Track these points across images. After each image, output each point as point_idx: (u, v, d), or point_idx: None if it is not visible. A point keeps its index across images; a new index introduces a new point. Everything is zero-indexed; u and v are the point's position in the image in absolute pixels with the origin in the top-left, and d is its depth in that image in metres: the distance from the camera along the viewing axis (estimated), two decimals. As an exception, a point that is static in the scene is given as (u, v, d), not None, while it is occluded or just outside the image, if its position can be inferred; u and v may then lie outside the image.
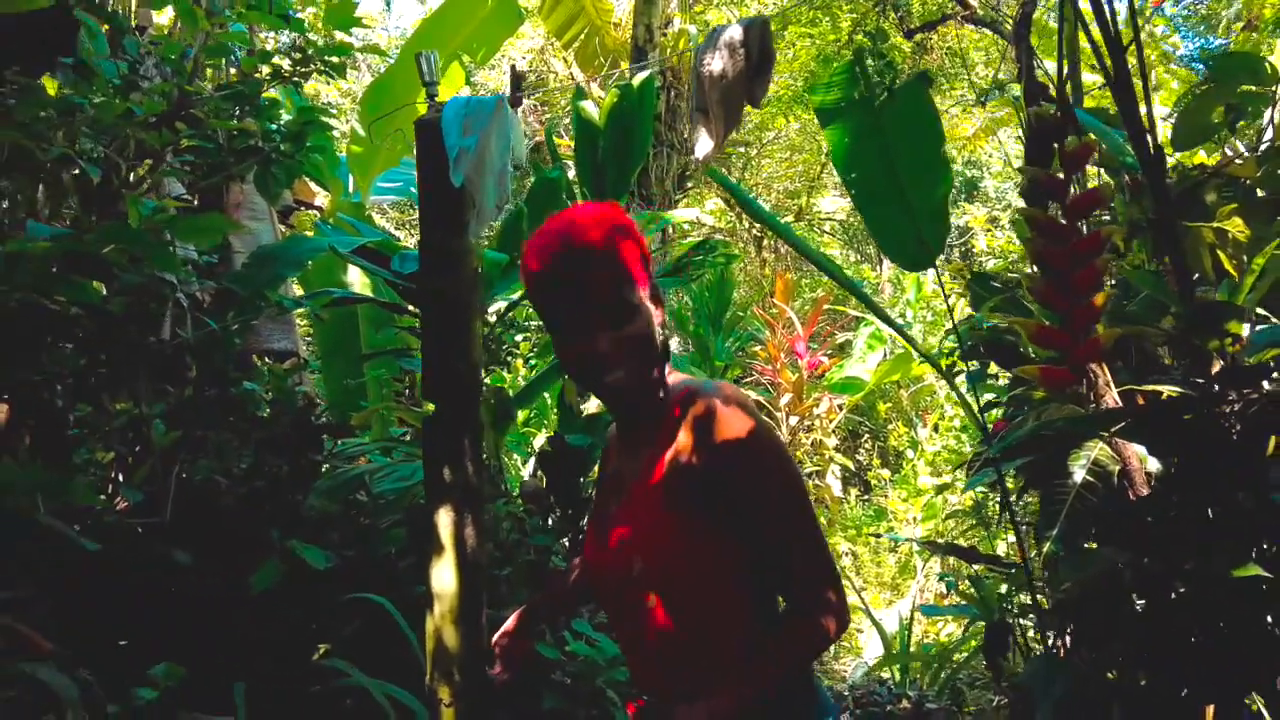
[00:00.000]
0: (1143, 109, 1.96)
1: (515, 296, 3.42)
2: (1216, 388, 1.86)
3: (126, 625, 1.97)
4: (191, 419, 2.26)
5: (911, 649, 4.60)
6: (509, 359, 4.07)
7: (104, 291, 2.11)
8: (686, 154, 8.53)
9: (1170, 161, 2.43)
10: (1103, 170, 2.43)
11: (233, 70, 2.95)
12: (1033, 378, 1.97)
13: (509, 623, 1.65)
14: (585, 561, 1.49)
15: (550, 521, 3.26)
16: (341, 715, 2.12)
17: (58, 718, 1.43)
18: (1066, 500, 1.96)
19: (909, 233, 2.55)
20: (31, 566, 1.81)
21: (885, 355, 8.09)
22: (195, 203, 2.86)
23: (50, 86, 2.21)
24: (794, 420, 8.19)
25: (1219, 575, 1.71)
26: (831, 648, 5.04)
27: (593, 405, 3.79)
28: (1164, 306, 2.11)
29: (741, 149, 12.70)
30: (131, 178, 2.41)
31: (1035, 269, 1.94)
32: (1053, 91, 2.44)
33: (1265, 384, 1.86)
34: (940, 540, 4.63)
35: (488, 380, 4.10)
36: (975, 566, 2.75)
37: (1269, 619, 1.85)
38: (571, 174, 4.00)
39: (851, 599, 4.80)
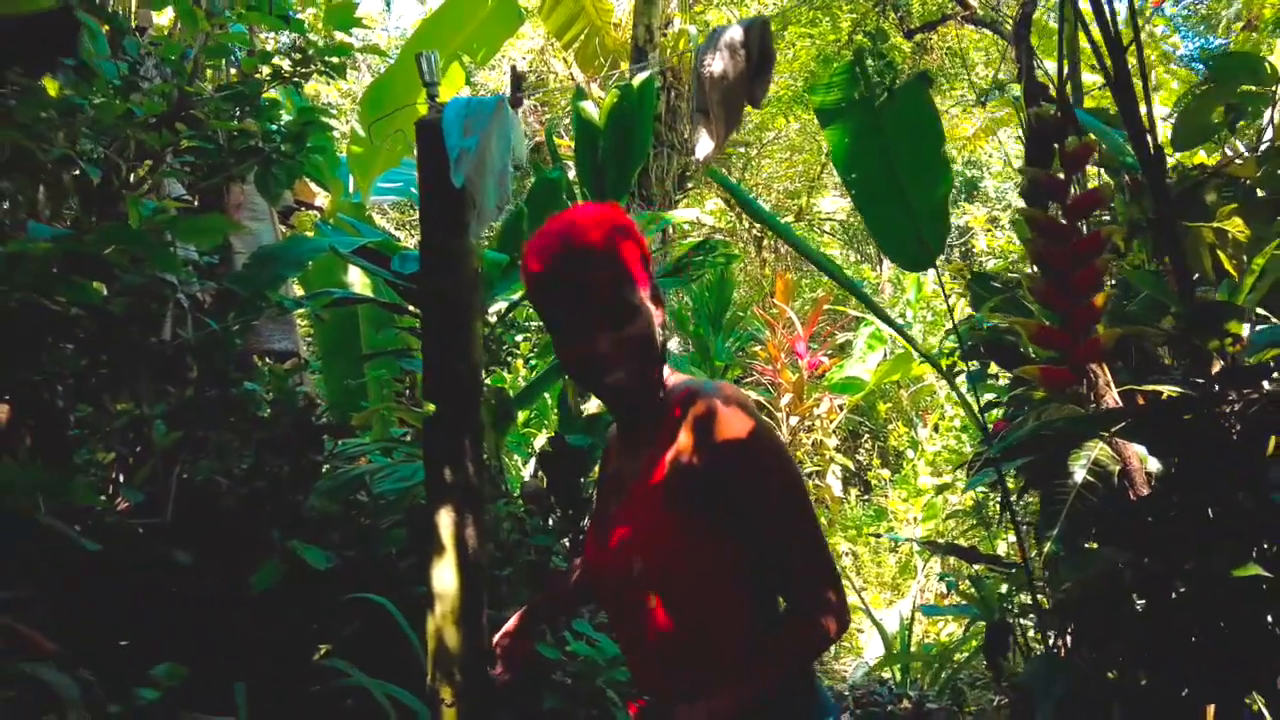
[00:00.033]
0: (1143, 109, 1.96)
1: (515, 297, 3.43)
2: (1216, 388, 1.86)
3: (127, 625, 1.97)
4: (192, 419, 2.26)
5: (912, 649, 4.61)
6: (509, 359, 4.07)
7: (105, 292, 2.11)
8: (687, 154, 8.54)
9: (1170, 161, 2.43)
10: (1103, 170, 2.43)
11: (233, 71, 2.95)
12: (1033, 378, 1.97)
13: (510, 623, 1.65)
14: (586, 562, 1.49)
15: (551, 522, 3.26)
16: (342, 715, 2.12)
17: (59, 717, 1.43)
18: (1067, 500, 1.96)
19: (909, 233, 2.55)
20: (32, 566, 1.81)
21: (885, 355, 8.09)
22: (196, 203, 2.86)
23: (51, 87, 2.21)
24: (794, 420, 8.19)
25: (1219, 575, 1.71)
26: (832, 648, 5.03)
27: (593, 405, 3.79)
28: (1164, 306, 2.11)
29: (741, 149, 12.70)
30: (132, 178, 2.41)
31: (1035, 269, 1.94)
32: (1053, 92, 2.44)
33: (1265, 384, 1.86)
34: (940, 540, 4.63)
35: (488, 381, 4.10)
36: (975, 566, 2.76)
37: (1269, 619, 1.85)
38: (571, 174, 4.00)
39: (852, 599, 4.81)
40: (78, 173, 2.21)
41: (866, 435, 10.23)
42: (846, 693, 4.42)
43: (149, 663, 1.66)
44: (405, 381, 3.89)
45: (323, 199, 5.09)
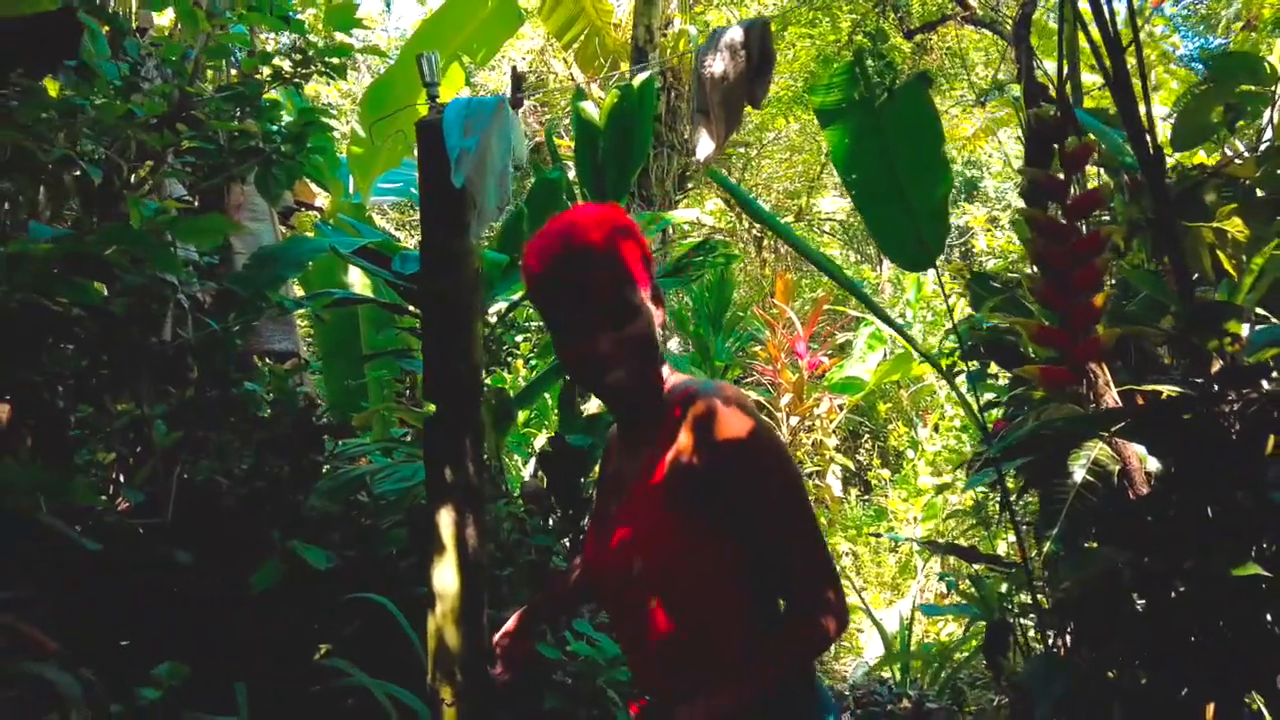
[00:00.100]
0: (1142, 109, 1.96)
1: (515, 297, 3.43)
2: (1216, 387, 1.87)
3: (128, 625, 1.98)
4: (193, 420, 2.26)
5: (912, 649, 4.61)
6: (509, 360, 4.08)
7: (105, 292, 2.12)
8: (687, 155, 8.54)
9: (1170, 161, 2.43)
10: (1102, 170, 2.43)
11: (233, 71, 2.96)
12: (1033, 377, 1.97)
13: (510, 623, 1.65)
14: (586, 561, 1.49)
15: (551, 522, 3.26)
16: (343, 715, 2.13)
17: (61, 717, 1.43)
18: (1066, 500, 1.96)
19: (909, 233, 2.55)
20: (33, 566, 1.81)
21: (885, 355, 8.09)
22: (196, 204, 2.87)
23: (52, 88, 2.21)
24: (794, 420, 8.19)
25: (1218, 574, 1.71)
26: (832, 648, 5.04)
27: (593, 405, 3.80)
28: (1163, 306, 2.11)
29: (741, 149, 12.70)
30: (133, 179, 2.41)
31: (1035, 269, 1.94)
32: (1052, 92, 2.45)
33: (1264, 383, 1.86)
34: (940, 540, 4.63)
35: (488, 381, 4.10)
36: (975, 566, 2.76)
37: (1268, 618, 1.85)
38: (572, 175, 4.01)
39: (852, 599, 4.81)
40: (78, 173, 2.21)
41: (866, 435, 10.23)
42: (846, 692, 4.42)
43: (150, 662, 1.66)
44: (405, 382, 3.90)
45: (323, 199, 5.09)
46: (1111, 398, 2.07)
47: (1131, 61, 1.95)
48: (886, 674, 4.56)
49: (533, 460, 4.40)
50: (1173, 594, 1.93)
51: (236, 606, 2.08)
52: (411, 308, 3.12)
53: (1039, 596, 2.53)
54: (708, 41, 4.11)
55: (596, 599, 1.71)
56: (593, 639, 2.47)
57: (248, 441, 2.40)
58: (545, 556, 2.88)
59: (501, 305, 3.51)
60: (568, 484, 3.28)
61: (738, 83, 3.96)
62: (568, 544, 3.21)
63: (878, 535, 6.73)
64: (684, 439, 1.28)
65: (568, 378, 3.38)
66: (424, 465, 1.90)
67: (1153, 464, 2.06)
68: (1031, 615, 2.65)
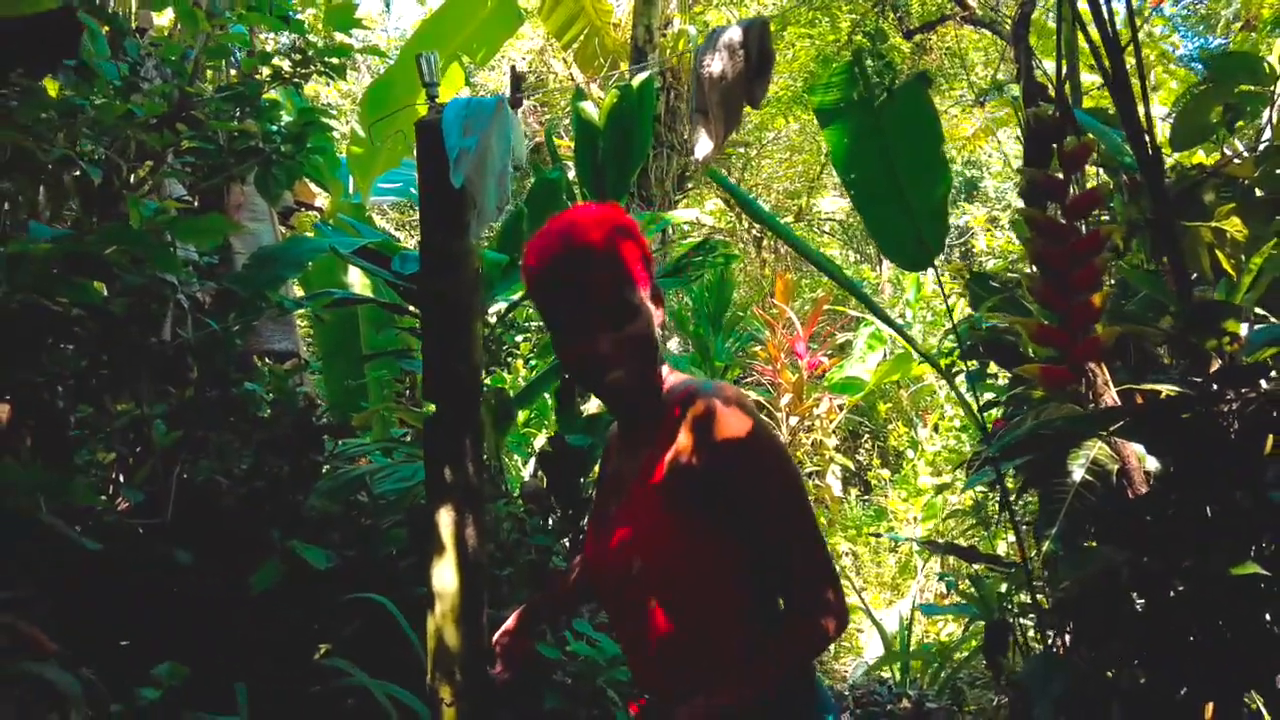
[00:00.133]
0: (1141, 109, 1.96)
1: (515, 297, 3.43)
2: (1214, 387, 1.87)
3: (127, 625, 1.98)
4: (192, 419, 2.26)
5: (912, 648, 4.61)
6: (509, 360, 4.08)
7: (105, 292, 2.12)
8: (686, 155, 8.53)
9: (1169, 161, 2.43)
10: (1101, 170, 2.44)
11: (233, 71, 2.96)
12: (1032, 377, 1.97)
13: (510, 622, 1.65)
14: (585, 561, 1.49)
15: (550, 522, 3.26)
16: (343, 715, 2.13)
17: (61, 717, 1.44)
18: (1066, 499, 1.97)
19: (908, 233, 2.55)
20: (32, 566, 1.81)
21: (885, 355, 8.09)
22: (196, 204, 2.87)
23: (52, 88, 2.21)
24: (794, 420, 8.19)
25: (1217, 573, 1.71)
26: (832, 647, 5.04)
27: (593, 405, 3.80)
28: (1162, 306, 2.11)
29: (741, 149, 12.70)
30: (132, 179, 2.41)
31: (1034, 269, 1.95)
32: (1051, 92, 2.45)
33: (1263, 383, 1.86)
34: (940, 540, 4.63)
35: (488, 381, 4.10)
36: (975, 566, 2.76)
37: (1267, 617, 1.85)
38: (571, 175, 4.01)
39: (851, 599, 4.81)
40: (78, 173, 2.21)
41: (866, 435, 10.23)
42: (846, 692, 4.42)
43: (150, 662, 1.67)
44: (405, 382, 3.90)
45: (323, 200, 5.09)
46: (1110, 397, 2.07)
47: (1130, 61, 1.95)
48: (886, 674, 4.56)
49: (533, 460, 4.40)
50: (1172, 593, 1.93)
51: (236, 606, 2.08)
52: (411, 308, 3.12)
53: (1038, 596, 2.53)
54: (707, 41, 4.11)
55: (596, 599, 1.71)
56: (593, 639, 2.47)
57: (248, 441, 2.40)
58: (545, 556, 2.88)
59: (501, 305, 3.51)
60: (567, 484, 3.28)
61: (737, 82, 3.96)
62: (568, 544, 3.22)
63: (878, 535, 6.73)
64: (683, 439, 1.28)
65: (566, 377, 3.39)
66: (424, 465, 1.90)
67: (1152, 463, 2.07)
68: (1031, 615, 2.65)
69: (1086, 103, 3.61)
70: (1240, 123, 2.38)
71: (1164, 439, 1.98)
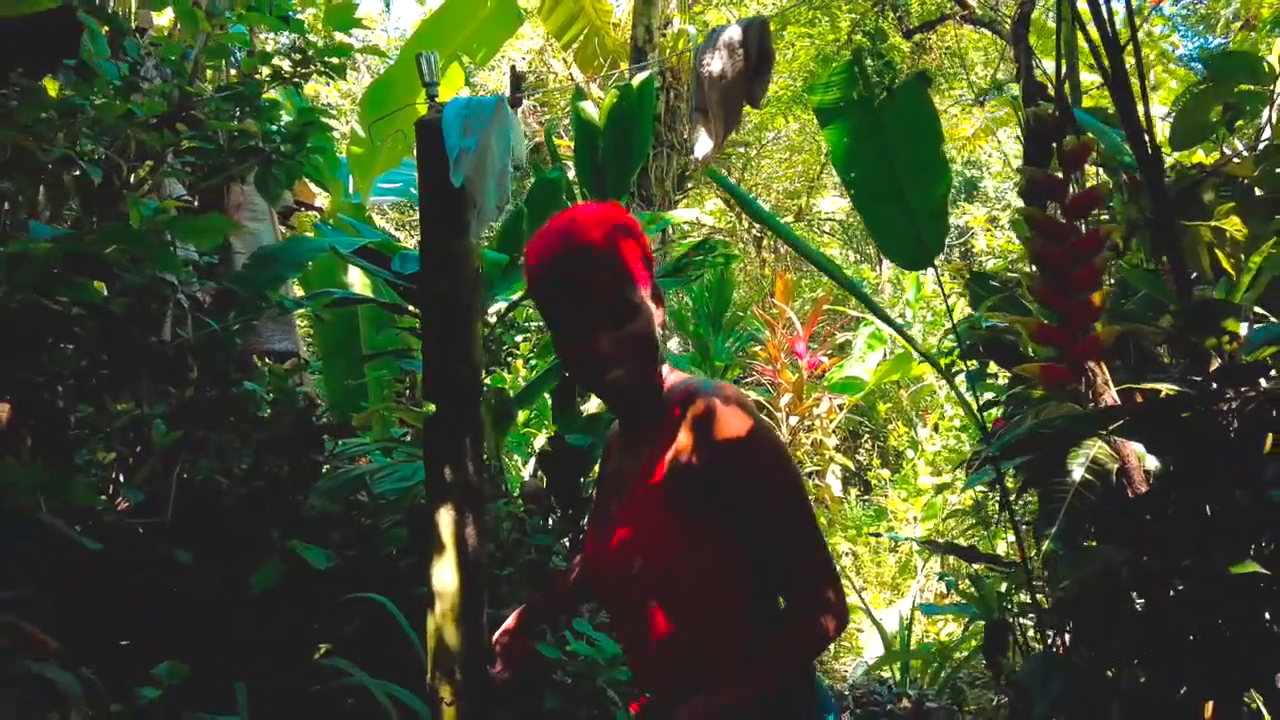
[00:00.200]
0: (1141, 108, 1.96)
1: (515, 297, 3.43)
2: (1214, 386, 1.87)
3: (127, 625, 1.98)
4: (192, 419, 2.26)
5: (912, 648, 4.61)
6: (509, 359, 4.08)
7: (105, 292, 2.12)
8: (686, 154, 8.53)
9: (1168, 161, 2.43)
10: (1101, 169, 2.44)
11: (233, 71, 2.96)
12: (1032, 376, 1.97)
13: (510, 621, 1.65)
14: (585, 560, 1.49)
15: (550, 521, 3.26)
16: (343, 715, 2.13)
17: (61, 716, 1.44)
18: (1065, 499, 1.97)
19: (908, 232, 2.55)
20: (32, 566, 1.81)
21: (885, 355, 8.09)
22: (196, 204, 2.87)
23: (51, 88, 2.21)
24: (794, 420, 8.19)
25: (1217, 572, 1.71)
26: (832, 647, 5.04)
27: (593, 405, 3.80)
28: (1162, 305, 2.11)
29: (741, 149, 12.71)
30: (132, 179, 2.42)
31: (1034, 268, 1.95)
32: (1051, 91, 2.45)
33: (1263, 382, 1.86)
34: (940, 540, 4.63)
35: (488, 381, 4.10)
36: (975, 565, 2.76)
37: (1267, 616, 1.85)
38: (571, 174, 4.01)
39: (851, 599, 4.81)
40: (78, 173, 2.22)
41: (866, 435, 10.23)
42: (846, 692, 4.42)
43: (150, 662, 1.67)
44: (405, 381, 3.90)
45: (323, 199, 5.09)
46: (1110, 396, 2.07)
47: (1130, 61, 1.96)
48: (886, 673, 4.56)
49: (533, 460, 4.40)
50: (1171, 592, 1.93)
51: (236, 606, 2.08)
52: (411, 308, 3.12)
53: (1038, 596, 2.53)
54: (706, 41, 4.11)
55: (596, 598, 1.71)
56: (593, 639, 2.47)
57: (248, 441, 2.40)
58: (545, 556, 2.88)
59: (501, 305, 3.51)
60: (567, 484, 3.28)
61: (736, 82, 3.97)
62: (568, 544, 3.22)
63: (878, 535, 6.73)
64: (684, 438, 1.28)
65: (566, 377, 3.39)
66: (424, 465, 1.91)
67: (1151, 462, 2.07)
68: (1030, 614, 2.65)
69: (1086, 102, 3.62)
70: (1240, 122, 2.38)
71: (1164, 438, 1.98)
